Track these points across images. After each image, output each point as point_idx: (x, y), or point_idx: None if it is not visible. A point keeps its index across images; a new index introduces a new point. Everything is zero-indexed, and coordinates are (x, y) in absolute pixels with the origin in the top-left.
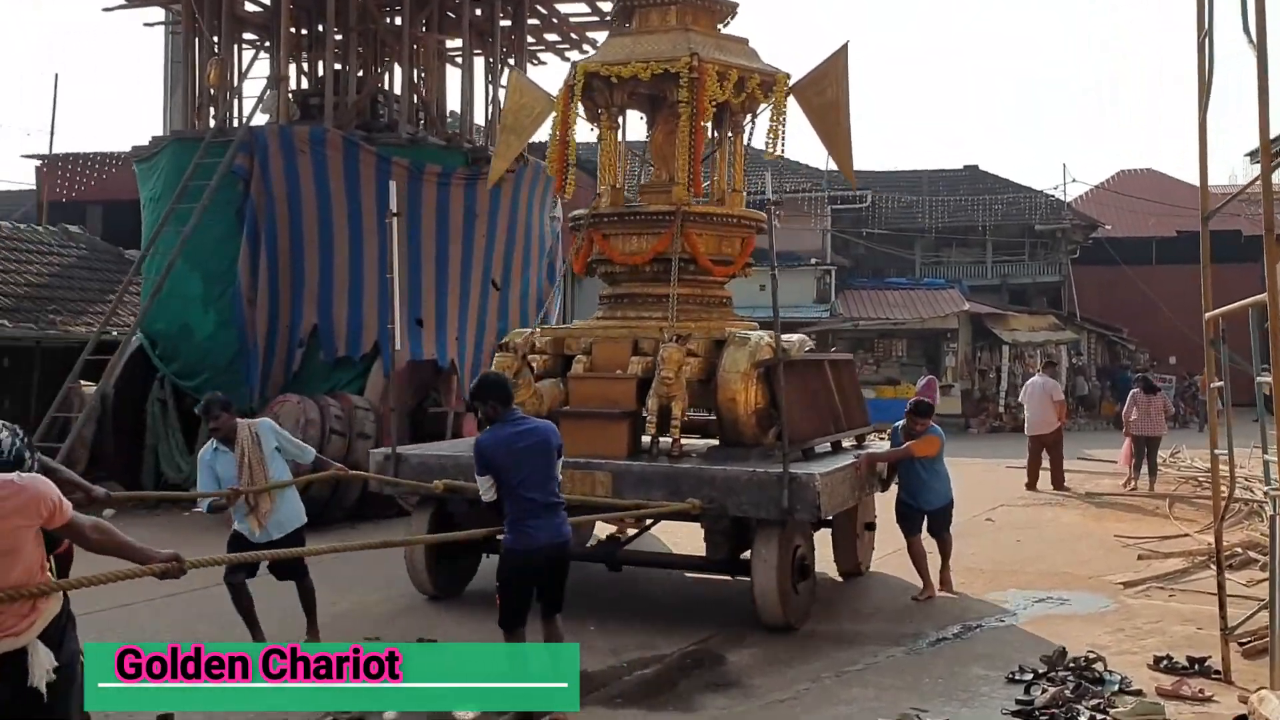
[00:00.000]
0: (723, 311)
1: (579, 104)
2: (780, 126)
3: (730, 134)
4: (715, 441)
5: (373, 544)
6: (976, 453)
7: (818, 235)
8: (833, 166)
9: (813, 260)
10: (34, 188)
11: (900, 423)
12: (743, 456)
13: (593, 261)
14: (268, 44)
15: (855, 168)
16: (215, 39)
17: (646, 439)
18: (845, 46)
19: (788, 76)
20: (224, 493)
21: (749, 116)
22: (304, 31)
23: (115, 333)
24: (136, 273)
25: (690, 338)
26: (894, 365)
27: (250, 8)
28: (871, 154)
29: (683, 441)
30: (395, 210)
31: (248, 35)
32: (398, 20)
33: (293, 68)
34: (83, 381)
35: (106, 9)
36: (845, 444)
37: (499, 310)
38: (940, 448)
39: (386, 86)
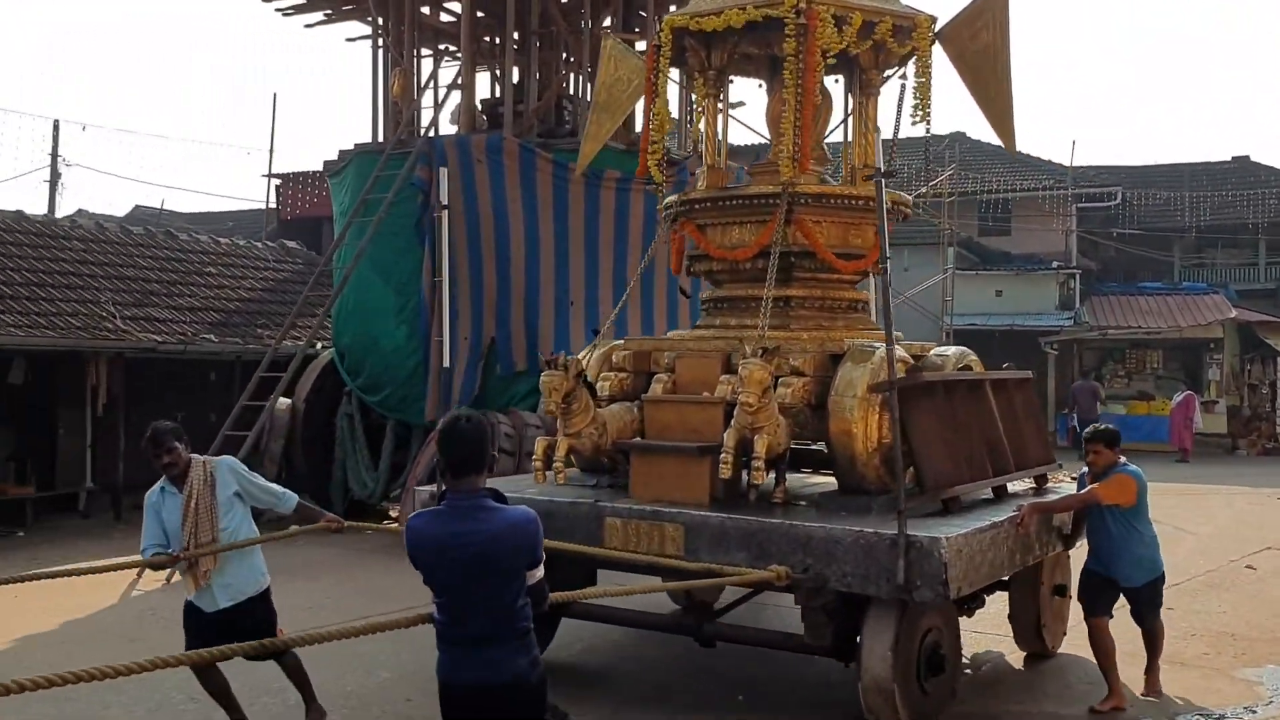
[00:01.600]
0: (851, 318)
1: (670, 69)
2: (926, 85)
3: (862, 96)
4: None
5: (353, 629)
6: (1243, 479)
7: (1060, 237)
8: (1079, 161)
9: (1054, 264)
10: (273, 206)
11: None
12: (862, 508)
13: (690, 258)
14: (457, 53)
15: (1102, 162)
16: (413, 50)
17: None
18: None
19: (932, 20)
20: (154, 560)
21: (885, 73)
22: (492, 39)
23: (299, 346)
24: (318, 285)
25: (789, 351)
26: (1148, 379)
27: (445, 17)
28: (1121, 146)
29: (788, 486)
30: (445, 203)
31: (439, 45)
32: (583, 22)
33: (485, 75)
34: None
35: (308, 25)
36: (1016, 487)
37: (690, 320)
38: (1138, 493)
39: (572, 90)
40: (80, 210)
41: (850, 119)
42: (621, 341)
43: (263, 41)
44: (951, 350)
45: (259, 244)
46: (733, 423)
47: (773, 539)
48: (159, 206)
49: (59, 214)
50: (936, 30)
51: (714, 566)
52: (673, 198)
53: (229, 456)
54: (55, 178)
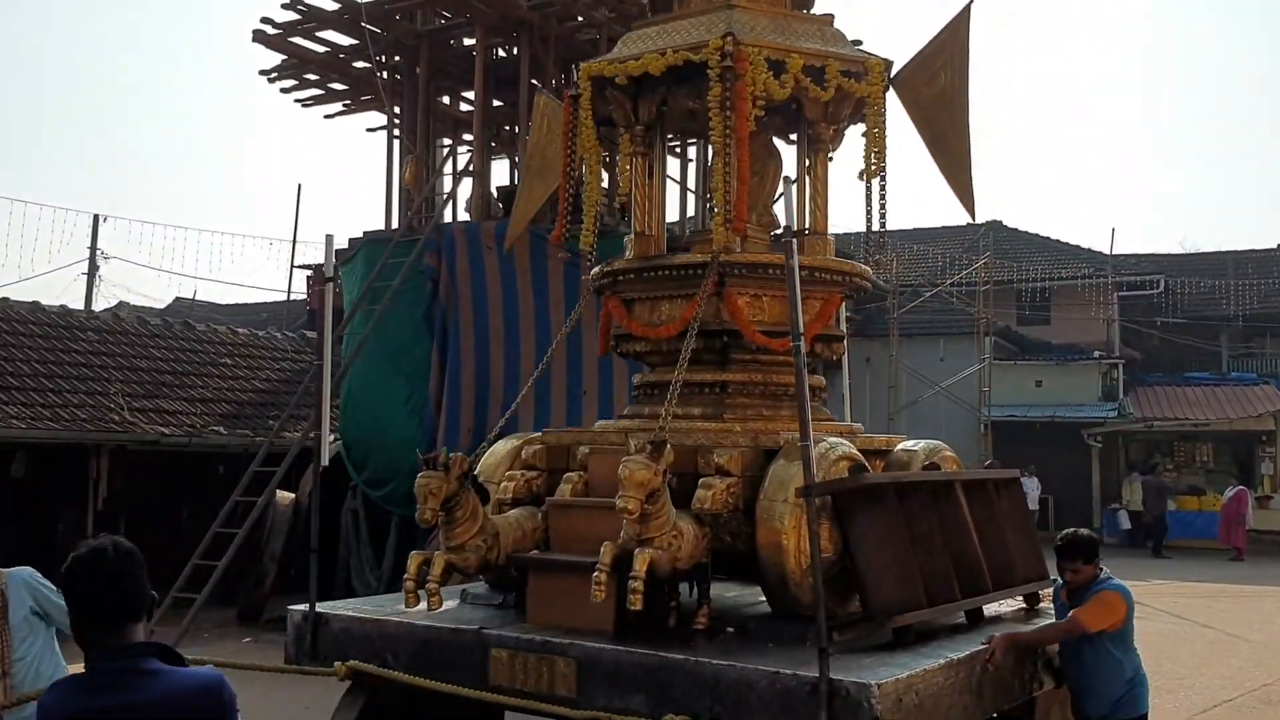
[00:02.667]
0: (816, 408)
1: (590, 122)
2: (880, 137)
3: (810, 152)
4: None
5: None
6: None
7: (1102, 326)
8: (1119, 249)
9: (1096, 353)
10: (303, 297)
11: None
12: (796, 639)
13: (616, 338)
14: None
15: (1146, 250)
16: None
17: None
18: (967, 8)
19: (886, 64)
20: None
21: (834, 126)
22: (510, 127)
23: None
24: (316, 379)
25: (715, 446)
26: (1198, 472)
27: (462, 106)
28: (1161, 234)
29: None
30: (330, 275)
31: (457, 134)
32: None
33: (502, 163)
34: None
35: (327, 116)
36: (1002, 609)
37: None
38: (1126, 616)
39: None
40: (121, 303)
41: (799, 179)
42: (538, 434)
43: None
44: (921, 445)
45: (278, 334)
46: (621, 534)
47: (675, 679)
48: (191, 298)
49: (97, 307)
50: (892, 76)
51: (601, 716)
52: (597, 269)
53: (26, 567)
54: (93, 271)
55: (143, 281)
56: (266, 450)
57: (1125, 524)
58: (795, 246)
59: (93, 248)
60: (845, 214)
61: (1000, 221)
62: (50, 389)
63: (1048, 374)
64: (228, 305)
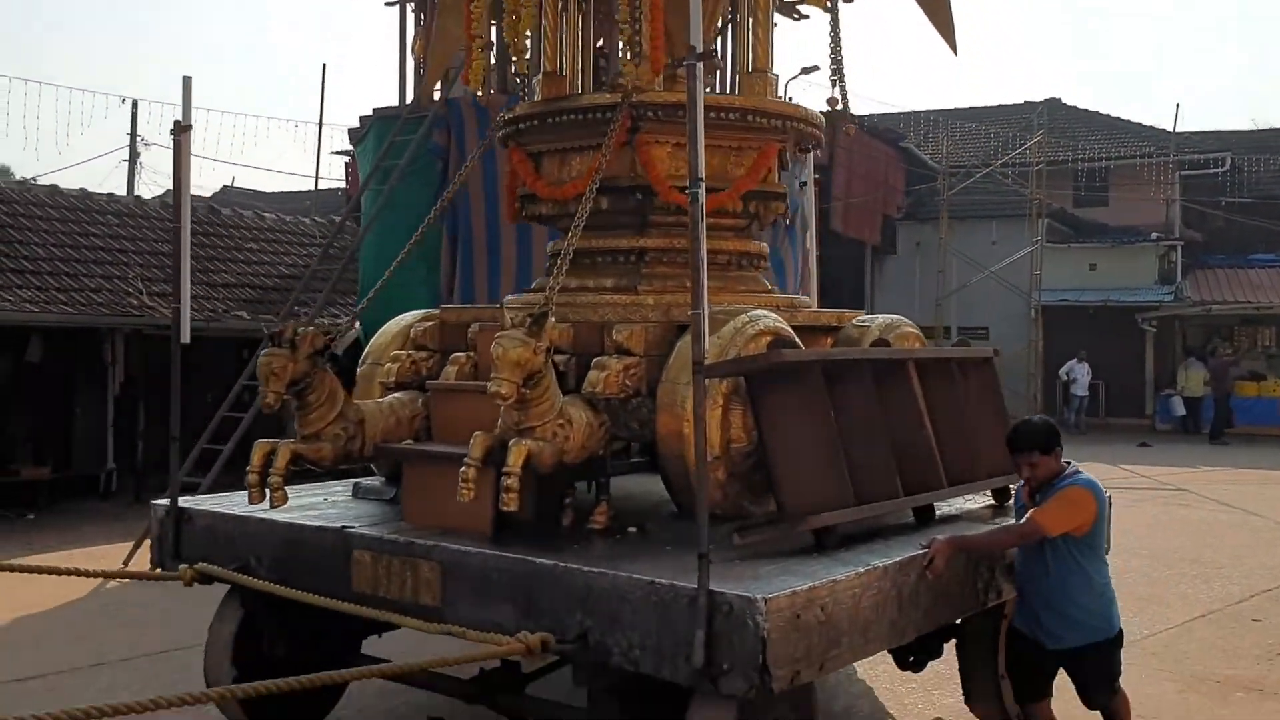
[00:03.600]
0: (732, 278)
1: None
2: None
3: None
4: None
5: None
6: None
7: (1162, 207)
8: (1184, 127)
9: (1154, 235)
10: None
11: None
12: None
13: (522, 199)
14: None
15: (1213, 127)
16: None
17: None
18: None
19: None
20: None
21: None
22: None
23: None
24: (352, 260)
25: (621, 321)
26: (1258, 357)
27: None
28: (1230, 111)
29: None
30: (186, 124)
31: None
32: None
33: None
34: None
35: None
36: (965, 506)
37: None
38: (1096, 517)
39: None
40: (168, 191)
41: (737, 10)
42: (436, 310)
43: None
44: (878, 319)
45: (306, 220)
46: (498, 423)
47: (544, 588)
48: (231, 185)
49: (144, 195)
50: None
51: (454, 629)
52: (501, 115)
53: None
54: (134, 158)
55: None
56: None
57: (1179, 410)
58: (698, 70)
59: (132, 134)
60: (901, 91)
61: (1059, 99)
62: (66, 272)
63: (1103, 257)
64: (271, 193)
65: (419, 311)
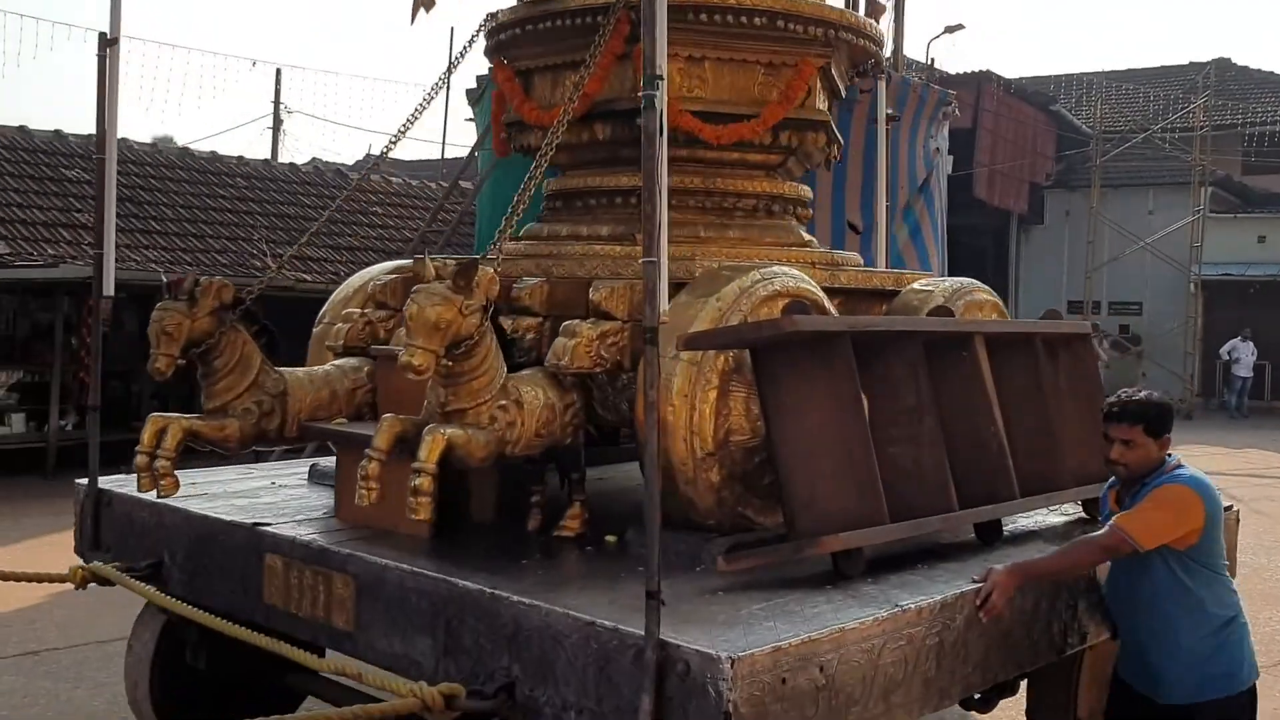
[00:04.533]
0: (760, 227)
1: None
2: None
3: None
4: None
5: None
6: None
7: None
8: None
9: None
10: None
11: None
12: (686, 557)
13: (509, 128)
14: None
15: None
16: None
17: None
18: None
19: None
20: None
21: None
22: None
23: None
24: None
25: (600, 276)
26: None
27: None
28: None
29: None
30: (114, 37)
31: None
32: None
33: None
34: None
35: None
36: (1047, 520)
37: (861, 259)
38: (1206, 521)
39: None
40: (314, 159)
41: None
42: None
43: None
44: (945, 282)
45: (433, 184)
46: (425, 405)
47: (466, 620)
48: (370, 151)
49: (287, 161)
50: None
51: (346, 671)
52: (484, 22)
53: None
54: (278, 125)
55: (332, 138)
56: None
57: None
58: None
59: (276, 102)
60: (1053, 53)
61: (1228, 59)
62: (193, 234)
63: (1273, 228)
64: (409, 162)
65: (391, 262)
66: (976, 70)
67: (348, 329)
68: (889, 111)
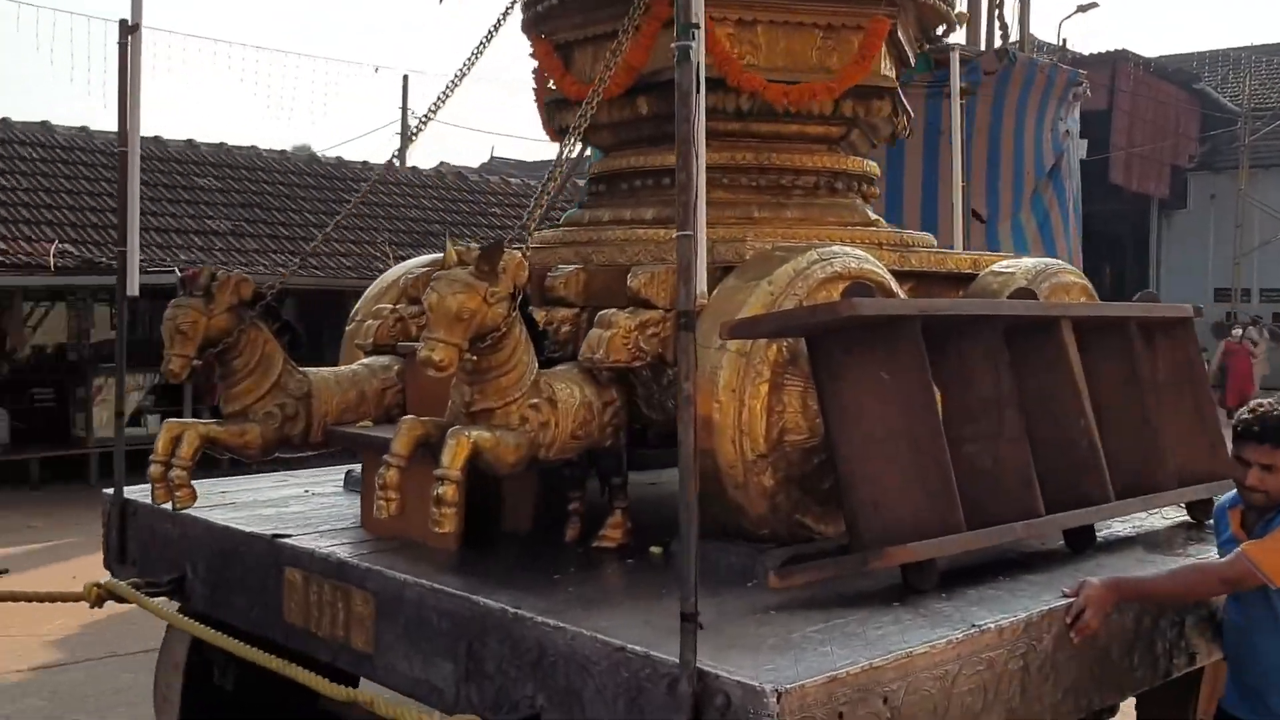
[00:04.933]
0: (824, 205)
1: None
2: None
3: None
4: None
5: None
6: None
7: None
8: None
9: None
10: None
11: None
12: (737, 571)
13: (550, 106)
14: None
15: None
16: None
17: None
18: None
19: None
20: None
21: None
22: None
23: None
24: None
25: (640, 261)
26: None
27: None
28: None
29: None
30: (135, 22)
31: None
32: None
33: None
34: None
35: None
36: (1148, 524)
37: (985, 248)
38: None
39: None
40: (442, 163)
41: None
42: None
43: None
44: (1026, 263)
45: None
46: (449, 405)
47: (489, 642)
48: (493, 155)
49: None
50: None
51: (360, 698)
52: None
53: None
54: (405, 130)
55: (458, 142)
56: None
57: None
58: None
59: (404, 107)
60: (1197, 27)
61: None
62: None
63: None
64: (530, 163)
65: (429, 255)
66: (1112, 50)
67: (377, 326)
68: (963, 84)
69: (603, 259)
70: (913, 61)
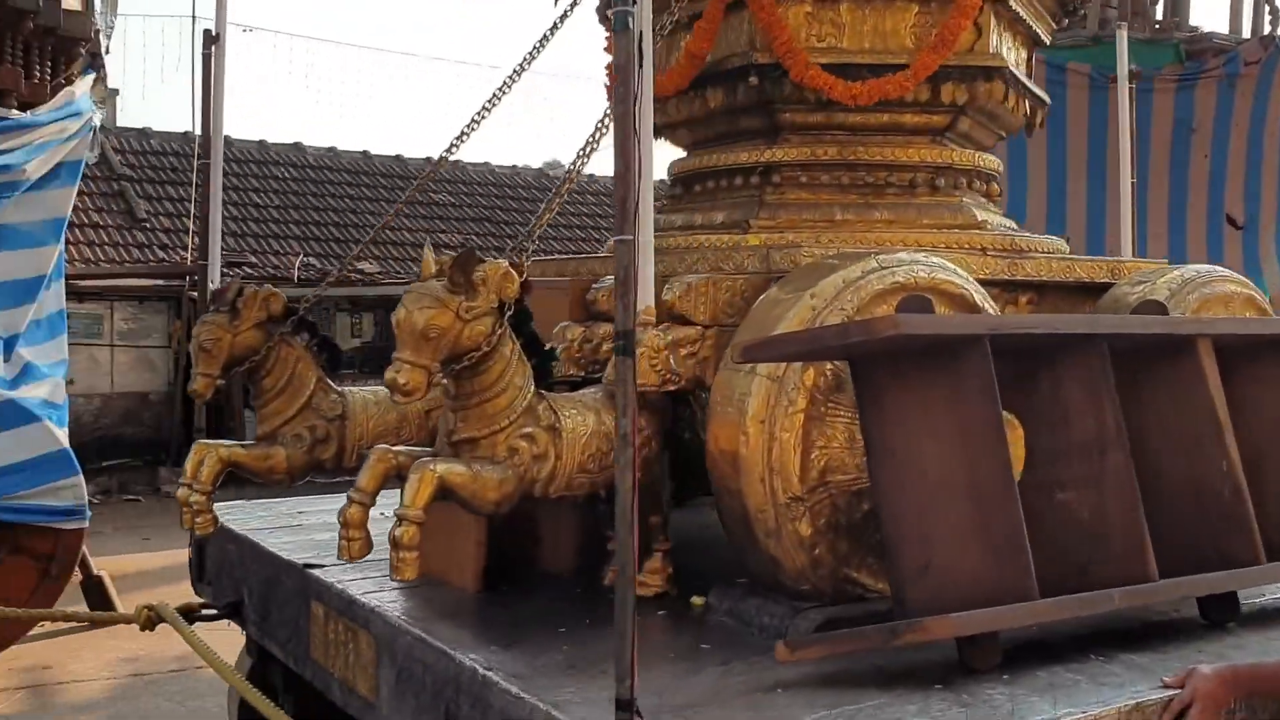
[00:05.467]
0: (920, 206)
1: None
2: None
3: None
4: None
5: None
6: None
7: None
8: None
9: None
10: None
11: None
12: (771, 630)
13: None
14: None
15: None
16: None
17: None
18: None
19: None
20: None
21: None
22: None
23: None
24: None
25: (684, 270)
26: None
27: None
28: None
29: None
30: (216, 34)
31: None
32: None
33: None
34: None
35: None
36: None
37: (1242, 258)
38: None
39: None
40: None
41: None
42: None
43: None
44: (1176, 271)
45: None
46: (437, 434)
47: (462, 705)
48: None
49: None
50: None
51: None
52: None
53: None
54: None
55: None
56: None
57: None
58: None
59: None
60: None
61: None
62: (410, 242)
63: None
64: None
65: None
66: None
67: None
68: (1132, 67)
69: (662, 269)
70: (1046, 40)
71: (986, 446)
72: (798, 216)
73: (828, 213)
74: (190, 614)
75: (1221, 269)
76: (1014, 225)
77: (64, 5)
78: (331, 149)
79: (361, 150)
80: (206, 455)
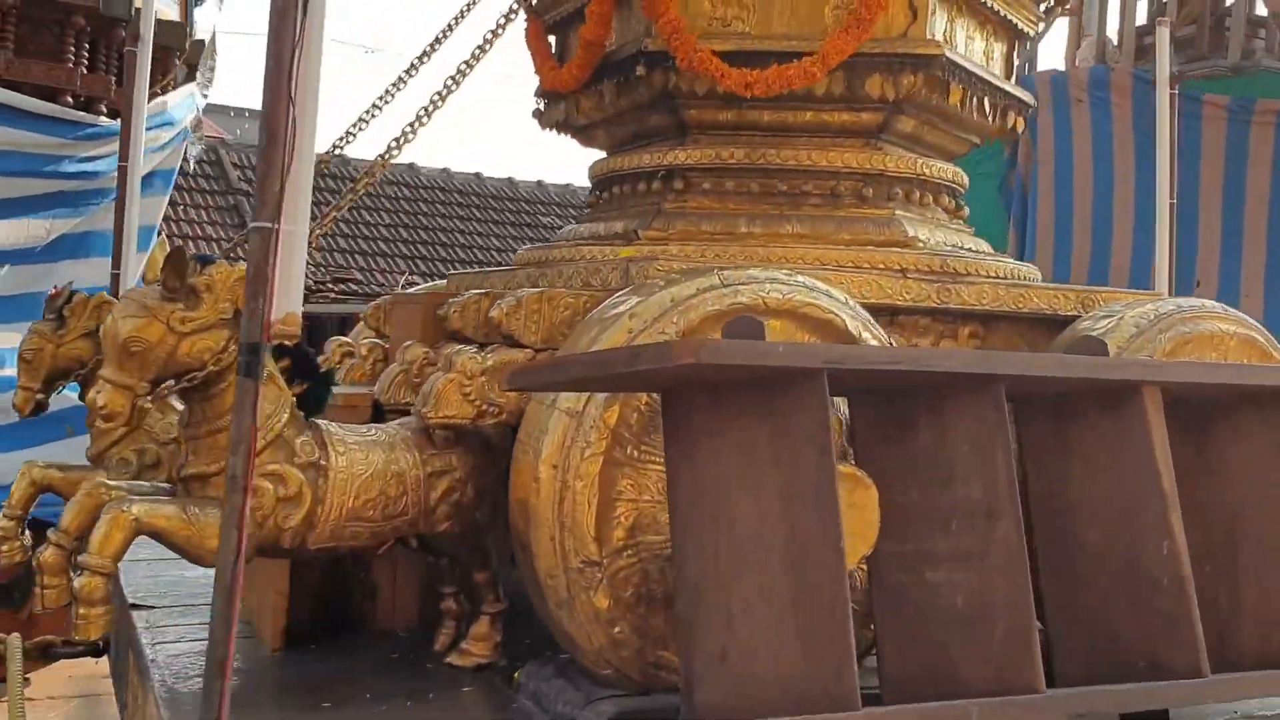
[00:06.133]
0: (838, 220)
1: None
2: None
3: None
4: None
5: None
6: None
7: None
8: None
9: None
10: None
11: None
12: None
13: (542, 100)
14: None
15: None
16: None
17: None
18: None
19: None
20: None
21: None
22: None
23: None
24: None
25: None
26: None
27: None
28: None
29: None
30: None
31: None
32: None
33: None
34: None
35: None
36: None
37: None
38: None
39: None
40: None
41: None
42: (440, 283)
43: None
44: (1151, 305)
45: None
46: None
47: None
48: None
49: None
50: None
51: None
52: None
53: None
54: None
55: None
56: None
57: None
58: None
59: None
60: None
61: None
62: (499, 261)
63: None
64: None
65: (436, 284)
66: None
67: (351, 372)
68: (1173, 70)
69: (546, 284)
70: (1029, 31)
71: (813, 505)
72: (695, 228)
73: (730, 224)
74: (48, 649)
75: (1216, 304)
76: (979, 246)
77: (160, 15)
78: (445, 170)
79: (474, 172)
80: (22, 477)
